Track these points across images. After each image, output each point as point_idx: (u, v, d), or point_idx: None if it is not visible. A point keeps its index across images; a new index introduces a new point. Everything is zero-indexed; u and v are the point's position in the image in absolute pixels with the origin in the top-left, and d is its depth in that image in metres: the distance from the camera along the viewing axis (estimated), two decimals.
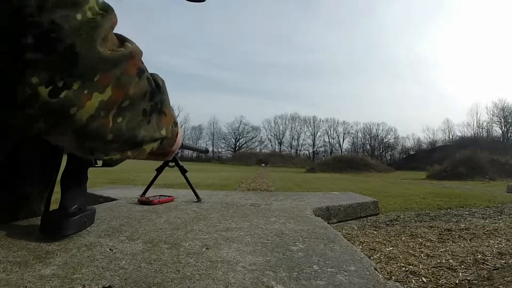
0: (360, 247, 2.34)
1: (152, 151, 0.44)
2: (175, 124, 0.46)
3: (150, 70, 0.38)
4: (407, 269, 1.88)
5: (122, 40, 0.33)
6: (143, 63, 0.36)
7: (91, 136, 0.32)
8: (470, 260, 2.06)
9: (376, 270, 0.41)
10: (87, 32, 0.28)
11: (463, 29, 79.81)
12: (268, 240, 0.54)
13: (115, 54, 0.30)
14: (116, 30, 0.32)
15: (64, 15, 0.26)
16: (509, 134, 41.97)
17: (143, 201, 0.89)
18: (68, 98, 0.28)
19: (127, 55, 0.32)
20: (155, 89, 0.38)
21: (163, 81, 0.43)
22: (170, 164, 0.96)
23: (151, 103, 0.38)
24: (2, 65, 0.26)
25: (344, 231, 2.76)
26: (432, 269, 1.89)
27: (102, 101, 0.30)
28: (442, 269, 1.89)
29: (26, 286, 0.33)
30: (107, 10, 0.31)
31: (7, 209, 0.55)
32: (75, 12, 0.27)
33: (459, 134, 45.54)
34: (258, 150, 50.47)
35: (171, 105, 0.45)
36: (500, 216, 3.81)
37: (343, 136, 52.10)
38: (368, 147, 50.11)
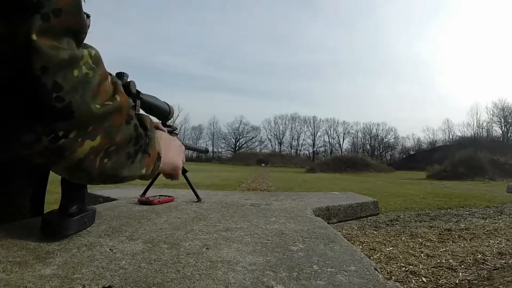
0: (360, 247, 2.34)
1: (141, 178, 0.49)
2: (159, 158, 0.48)
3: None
4: (407, 269, 1.88)
5: (115, 88, 0.37)
6: (132, 110, 0.40)
7: (79, 171, 0.37)
8: (470, 260, 2.07)
9: (376, 270, 0.41)
10: (82, 89, 0.32)
11: (463, 29, 79.88)
12: (268, 240, 0.54)
13: (106, 108, 0.35)
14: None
15: (64, 74, 0.30)
16: (509, 134, 41.95)
17: (143, 201, 0.89)
18: (65, 144, 0.33)
19: (116, 108, 0.36)
20: (141, 133, 0.42)
21: (151, 121, 0.47)
22: None
23: (136, 147, 0.42)
24: (9, 113, 0.30)
25: (344, 231, 2.77)
26: (432, 269, 1.89)
27: (93, 147, 0.35)
28: (442, 269, 1.89)
29: (26, 286, 0.33)
30: (98, 63, 0.34)
31: None
32: (72, 68, 0.31)
33: (459, 134, 45.54)
34: (258, 150, 50.47)
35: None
36: (500, 216, 3.82)
37: (343, 136, 52.13)
38: (368, 147, 50.12)
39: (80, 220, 0.52)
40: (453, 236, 2.72)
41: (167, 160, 0.55)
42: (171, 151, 0.58)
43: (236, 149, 50.94)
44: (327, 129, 52.68)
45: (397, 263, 1.99)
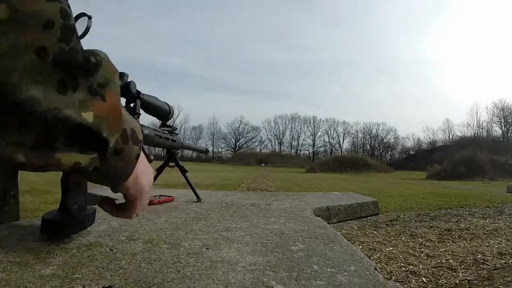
0: (360, 247, 2.34)
1: (80, 169, 0.26)
2: (135, 135, 0.28)
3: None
4: (407, 269, 1.88)
5: None
6: None
7: None
8: (470, 260, 2.07)
9: (376, 270, 0.41)
10: None
11: (463, 29, 79.85)
12: (268, 240, 0.54)
13: None
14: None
15: None
16: (509, 134, 41.91)
17: None
18: None
19: None
20: (75, 38, 0.24)
21: (115, 68, 0.28)
22: (170, 164, 0.96)
23: (62, 45, 0.22)
24: None
25: (344, 231, 2.76)
26: (432, 269, 1.89)
27: None
28: (442, 269, 1.89)
29: (26, 286, 0.33)
30: None
31: None
32: None
33: (459, 134, 45.47)
34: (258, 150, 50.47)
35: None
36: (500, 216, 3.81)
37: (343, 136, 52.08)
38: (368, 147, 50.10)
39: (80, 220, 0.52)
40: (453, 236, 2.72)
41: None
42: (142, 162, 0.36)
43: (236, 149, 50.93)
44: (327, 129, 52.68)
45: (397, 263, 1.99)
